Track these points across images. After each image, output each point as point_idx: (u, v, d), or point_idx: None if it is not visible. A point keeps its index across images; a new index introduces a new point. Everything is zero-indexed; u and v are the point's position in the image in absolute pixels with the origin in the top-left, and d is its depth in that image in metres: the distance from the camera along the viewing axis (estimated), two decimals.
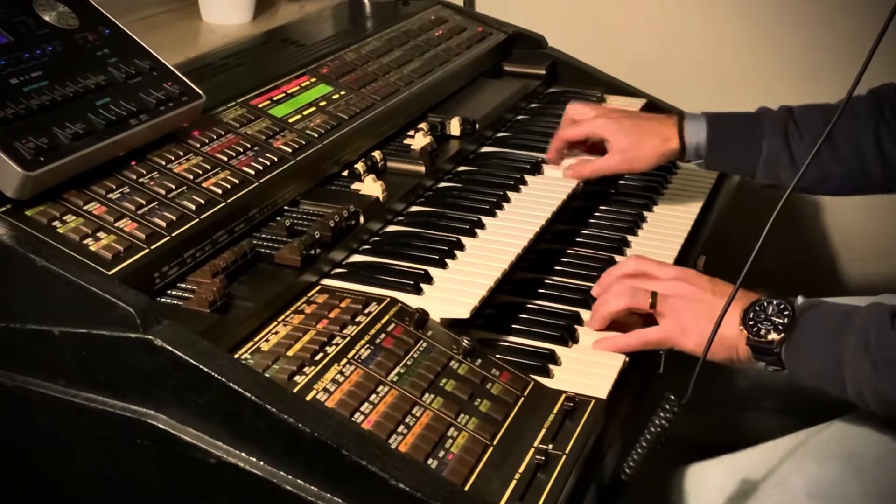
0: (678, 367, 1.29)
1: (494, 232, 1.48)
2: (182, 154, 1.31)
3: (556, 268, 1.49)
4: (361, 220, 1.39)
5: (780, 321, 1.21)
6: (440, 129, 1.69)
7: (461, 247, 1.42)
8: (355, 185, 1.47)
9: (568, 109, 1.72)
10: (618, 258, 1.52)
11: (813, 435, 1.34)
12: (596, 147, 1.71)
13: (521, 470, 1.06)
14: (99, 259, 1.10)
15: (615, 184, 1.76)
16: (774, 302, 1.22)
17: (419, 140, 1.62)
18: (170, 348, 1.00)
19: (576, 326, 1.35)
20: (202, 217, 1.23)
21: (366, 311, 1.23)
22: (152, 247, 1.15)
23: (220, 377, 0.98)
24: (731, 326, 1.24)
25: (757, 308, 1.23)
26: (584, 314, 1.37)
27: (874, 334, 1.16)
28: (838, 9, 2.15)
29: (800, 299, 1.24)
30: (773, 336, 1.21)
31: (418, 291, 1.30)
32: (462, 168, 1.69)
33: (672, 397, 1.14)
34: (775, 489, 1.28)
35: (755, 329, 1.22)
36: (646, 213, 1.68)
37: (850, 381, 1.18)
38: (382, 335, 1.19)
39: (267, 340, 1.15)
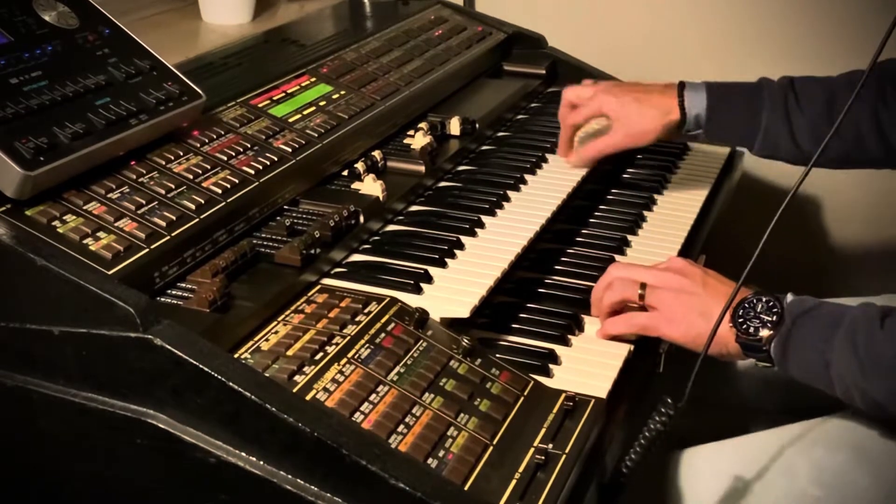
0: (678, 367, 1.29)
1: (494, 231, 1.48)
2: (182, 154, 1.31)
3: (556, 267, 1.49)
4: (361, 219, 1.39)
5: (769, 319, 1.21)
6: (440, 128, 1.69)
7: (461, 246, 1.42)
8: (355, 185, 1.47)
9: (565, 94, 1.71)
10: (618, 258, 1.52)
11: (819, 423, 1.33)
12: None
13: (520, 469, 1.06)
14: (99, 259, 1.10)
15: (615, 183, 1.76)
16: (763, 299, 1.22)
17: (419, 140, 1.61)
18: (170, 348, 1.00)
19: (575, 327, 1.35)
20: (202, 217, 1.23)
21: (366, 311, 1.23)
22: (152, 246, 1.15)
23: (219, 377, 0.98)
24: (721, 323, 1.24)
25: (746, 305, 1.23)
26: (584, 314, 1.37)
27: (863, 335, 1.16)
28: (839, 5, 2.15)
29: (789, 297, 1.24)
30: (761, 334, 1.21)
31: (418, 291, 1.30)
32: (462, 167, 1.69)
33: (669, 400, 1.14)
34: (780, 476, 1.28)
35: (744, 326, 1.22)
36: (646, 213, 1.68)
37: (837, 381, 1.18)
38: (382, 335, 1.19)
39: (267, 340, 1.15)
